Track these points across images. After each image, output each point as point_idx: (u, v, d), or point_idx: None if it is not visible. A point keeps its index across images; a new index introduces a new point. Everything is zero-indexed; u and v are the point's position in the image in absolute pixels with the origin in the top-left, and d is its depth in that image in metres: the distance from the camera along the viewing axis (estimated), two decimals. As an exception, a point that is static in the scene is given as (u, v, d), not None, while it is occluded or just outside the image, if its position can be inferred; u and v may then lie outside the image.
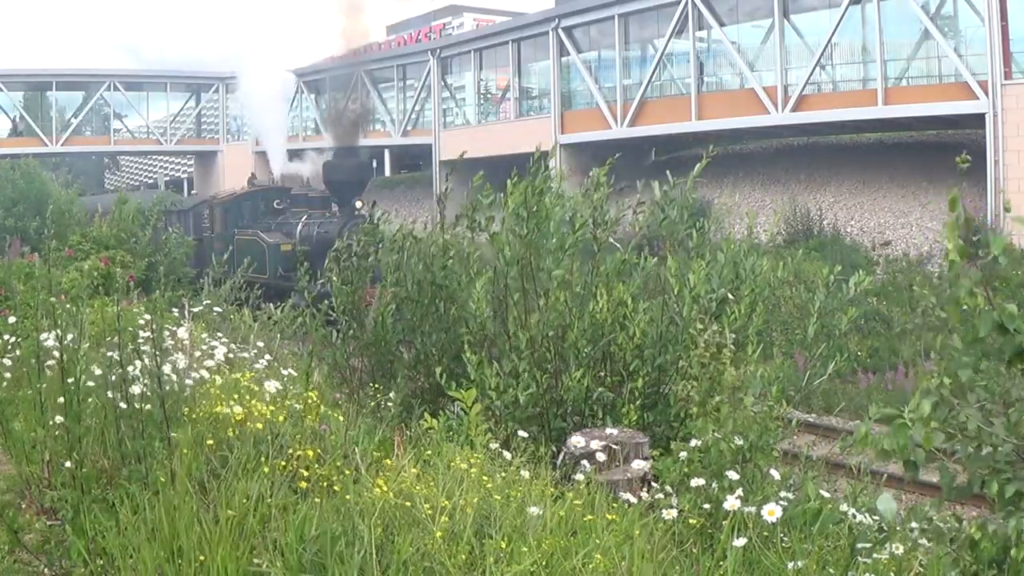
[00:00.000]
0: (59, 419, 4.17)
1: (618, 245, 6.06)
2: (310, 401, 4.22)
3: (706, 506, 3.90)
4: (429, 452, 3.97)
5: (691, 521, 3.82)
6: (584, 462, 4.34)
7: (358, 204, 21.40)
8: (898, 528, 2.96)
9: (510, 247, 5.81)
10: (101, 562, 3.43)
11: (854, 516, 3.77)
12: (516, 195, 5.81)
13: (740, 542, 3.32)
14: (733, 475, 3.96)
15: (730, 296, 5.66)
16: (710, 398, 4.54)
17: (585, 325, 5.66)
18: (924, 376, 2.48)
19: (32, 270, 9.24)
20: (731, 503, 3.63)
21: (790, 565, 3.31)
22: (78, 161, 53.97)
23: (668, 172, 6.05)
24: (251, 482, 3.45)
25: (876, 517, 3.65)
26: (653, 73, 32.98)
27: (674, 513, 3.74)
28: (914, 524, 2.75)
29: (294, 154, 32.70)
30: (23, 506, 4.16)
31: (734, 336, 5.24)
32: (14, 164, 25.41)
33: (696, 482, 3.92)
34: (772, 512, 3.49)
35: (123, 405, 4.25)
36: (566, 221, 5.94)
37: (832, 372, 5.89)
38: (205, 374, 4.80)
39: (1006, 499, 2.42)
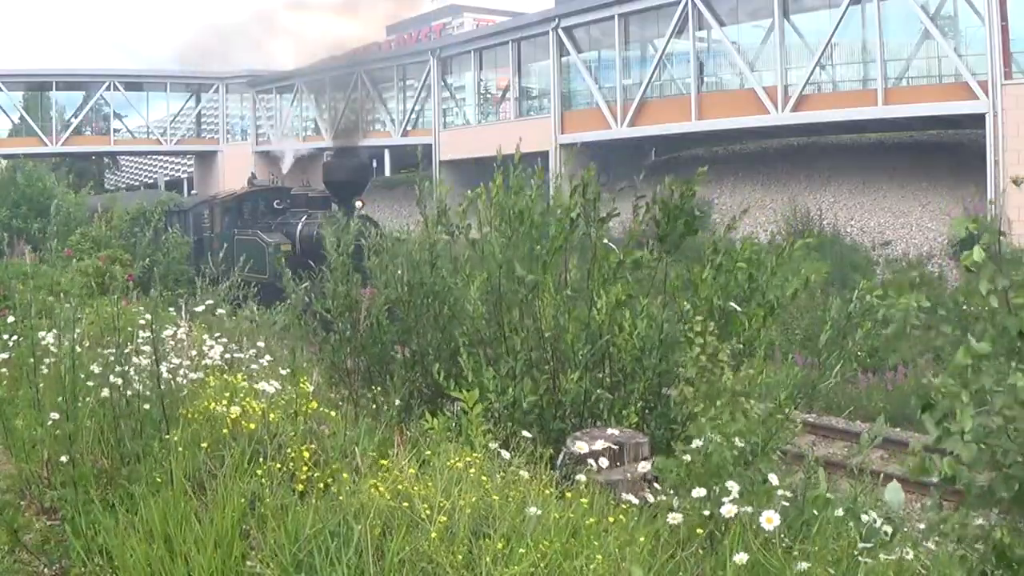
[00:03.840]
0: (55, 416, 4.15)
1: (613, 246, 6.02)
2: (304, 398, 4.20)
3: (706, 512, 3.85)
4: (428, 452, 3.95)
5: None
6: (589, 461, 4.31)
7: (358, 204, 21.40)
8: (904, 528, 2.92)
9: (496, 250, 5.79)
10: (100, 561, 3.41)
11: (864, 515, 3.73)
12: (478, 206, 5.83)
13: (742, 557, 3.27)
14: (733, 485, 3.91)
15: (737, 309, 5.57)
16: (711, 403, 4.48)
17: (580, 327, 5.61)
18: (945, 383, 2.43)
19: (29, 269, 9.24)
20: (728, 509, 3.58)
21: (796, 567, 3.27)
22: (78, 161, 53.97)
23: (667, 175, 6.02)
24: (247, 482, 3.43)
25: (879, 516, 3.63)
26: (653, 73, 32.96)
27: (679, 518, 3.71)
28: (921, 525, 2.71)
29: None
30: (23, 506, 4.15)
31: (741, 347, 5.19)
32: (15, 166, 25.44)
33: (697, 492, 3.87)
34: (770, 520, 3.46)
35: (123, 404, 4.24)
36: (551, 220, 5.91)
37: (836, 374, 5.85)
38: (202, 375, 4.78)
39: None
